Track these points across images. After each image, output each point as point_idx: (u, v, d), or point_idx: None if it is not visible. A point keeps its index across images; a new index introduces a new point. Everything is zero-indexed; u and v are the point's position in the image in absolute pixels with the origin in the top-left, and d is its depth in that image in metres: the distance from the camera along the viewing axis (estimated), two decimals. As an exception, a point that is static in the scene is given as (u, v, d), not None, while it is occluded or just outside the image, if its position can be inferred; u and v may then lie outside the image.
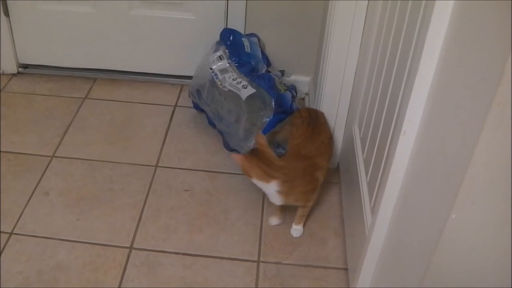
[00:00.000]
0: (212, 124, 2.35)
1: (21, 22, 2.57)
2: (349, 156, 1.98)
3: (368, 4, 1.81)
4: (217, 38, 2.33)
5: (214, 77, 2.20)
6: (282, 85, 2.17)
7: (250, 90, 2.10)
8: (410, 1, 1.31)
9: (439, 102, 1.03)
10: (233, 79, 2.15)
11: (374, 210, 1.44)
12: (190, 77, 2.44)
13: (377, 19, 1.68)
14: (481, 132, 0.79)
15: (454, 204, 0.87)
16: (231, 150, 2.25)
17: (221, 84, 2.17)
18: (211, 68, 2.22)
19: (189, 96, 2.43)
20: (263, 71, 2.24)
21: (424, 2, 1.18)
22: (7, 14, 2.53)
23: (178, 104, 2.54)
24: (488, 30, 0.81)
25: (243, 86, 2.11)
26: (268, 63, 2.36)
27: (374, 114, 1.61)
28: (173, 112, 2.49)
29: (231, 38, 2.27)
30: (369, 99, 1.70)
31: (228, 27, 2.43)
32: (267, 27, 2.45)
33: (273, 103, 2.05)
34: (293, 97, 2.17)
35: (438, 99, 1.03)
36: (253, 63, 2.23)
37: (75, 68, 2.69)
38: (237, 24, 2.41)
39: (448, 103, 0.98)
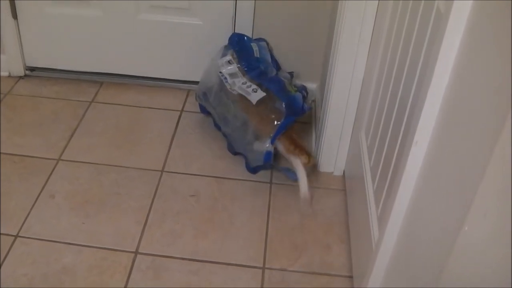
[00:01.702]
0: (217, 127, 2.35)
1: (29, 25, 2.57)
2: (355, 163, 1.97)
3: (377, 7, 1.81)
4: (225, 43, 2.34)
5: (224, 81, 2.20)
6: (292, 86, 2.17)
7: (260, 94, 2.10)
8: (420, 10, 1.31)
9: (452, 112, 1.03)
10: (242, 83, 2.15)
11: (381, 219, 1.43)
12: (197, 82, 2.44)
13: (386, 26, 1.68)
14: (496, 144, 0.78)
15: (466, 216, 0.87)
16: (235, 153, 2.25)
17: (230, 88, 2.17)
18: (220, 72, 2.22)
19: (195, 99, 2.43)
20: (273, 75, 2.24)
21: (435, 6, 1.18)
22: (15, 16, 2.53)
23: (184, 109, 2.54)
24: (504, 38, 0.81)
25: (253, 90, 2.11)
26: (278, 67, 2.36)
27: (382, 121, 1.60)
28: (180, 117, 2.49)
29: (240, 43, 2.27)
30: (377, 107, 1.70)
31: (235, 32, 2.44)
32: (274, 33, 2.45)
33: (283, 106, 2.05)
34: (304, 97, 2.16)
35: (451, 109, 1.03)
36: (262, 68, 2.22)
37: (82, 72, 2.69)
38: (244, 30, 2.41)
39: (462, 114, 0.97)
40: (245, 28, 2.42)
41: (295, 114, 2.06)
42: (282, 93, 2.08)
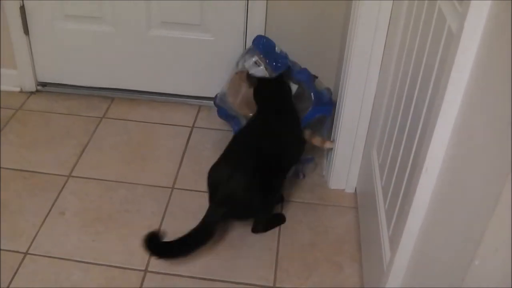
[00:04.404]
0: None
1: (40, 41, 2.59)
2: (367, 181, 1.95)
3: (389, 23, 1.79)
4: (236, 59, 2.32)
5: None
6: (317, 87, 2.21)
7: (293, 87, 2.16)
8: (432, 29, 1.29)
9: (463, 143, 1.00)
10: None
11: (392, 241, 1.41)
12: (208, 98, 2.43)
13: (397, 43, 1.66)
14: (508, 176, 0.76)
15: (477, 251, 0.84)
16: None
17: None
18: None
19: (214, 104, 2.37)
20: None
21: (447, 26, 1.17)
22: (27, 32, 2.55)
23: (195, 125, 2.53)
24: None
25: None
26: None
27: (393, 141, 1.58)
28: (191, 133, 2.48)
29: (265, 45, 2.27)
30: (388, 126, 1.68)
31: (246, 47, 2.43)
32: (285, 49, 2.44)
33: (312, 96, 2.10)
34: (331, 93, 2.23)
35: (462, 139, 1.01)
36: (290, 64, 2.22)
37: (93, 87, 2.70)
38: (255, 46, 2.41)
39: (473, 145, 0.95)
40: (256, 44, 2.41)
41: (323, 105, 2.13)
42: (311, 84, 2.14)
